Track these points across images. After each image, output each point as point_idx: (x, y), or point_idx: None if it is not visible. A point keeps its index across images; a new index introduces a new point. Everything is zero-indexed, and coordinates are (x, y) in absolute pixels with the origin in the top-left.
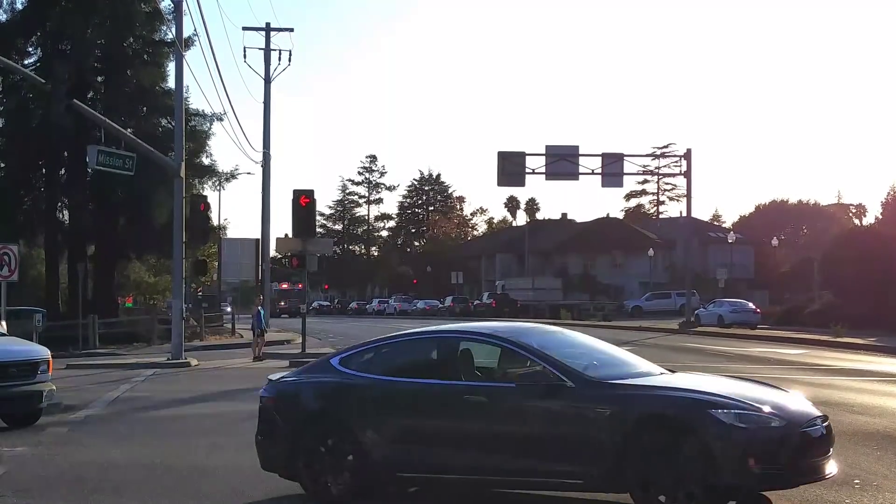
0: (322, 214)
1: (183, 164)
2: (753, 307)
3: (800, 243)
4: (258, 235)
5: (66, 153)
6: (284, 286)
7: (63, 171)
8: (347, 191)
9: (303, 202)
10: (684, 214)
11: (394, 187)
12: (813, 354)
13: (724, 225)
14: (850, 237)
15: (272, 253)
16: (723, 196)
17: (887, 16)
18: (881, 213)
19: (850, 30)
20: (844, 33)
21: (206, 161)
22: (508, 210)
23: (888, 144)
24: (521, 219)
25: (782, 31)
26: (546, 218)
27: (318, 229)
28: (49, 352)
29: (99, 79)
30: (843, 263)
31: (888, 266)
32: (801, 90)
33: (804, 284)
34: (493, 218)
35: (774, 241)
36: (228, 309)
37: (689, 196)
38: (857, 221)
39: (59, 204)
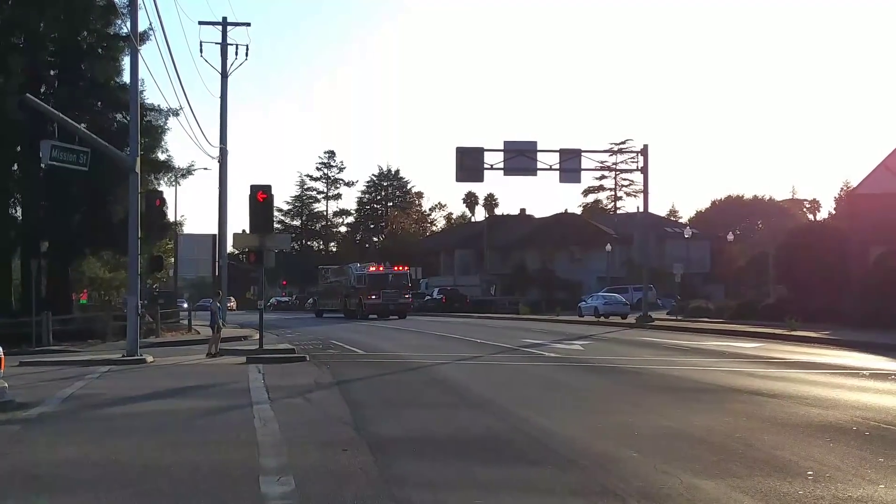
0: (280, 210)
1: (138, 159)
2: (623, 300)
3: (755, 238)
4: (215, 231)
5: (18, 148)
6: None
7: (16, 167)
8: (306, 186)
9: (260, 197)
10: (641, 210)
11: (352, 183)
12: (767, 348)
13: (680, 220)
14: (804, 232)
15: (229, 249)
16: (679, 192)
17: (840, 15)
18: (834, 209)
19: (804, 28)
20: (798, 32)
21: (161, 156)
22: (467, 206)
23: (842, 141)
24: (480, 214)
25: (737, 28)
26: (505, 213)
27: (276, 225)
28: (1, 349)
29: (52, 73)
30: (797, 258)
31: (841, 260)
32: (755, 87)
33: (759, 279)
34: (451, 213)
35: (730, 236)
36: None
37: (645, 192)
38: (811, 216)
39: (12, 200)
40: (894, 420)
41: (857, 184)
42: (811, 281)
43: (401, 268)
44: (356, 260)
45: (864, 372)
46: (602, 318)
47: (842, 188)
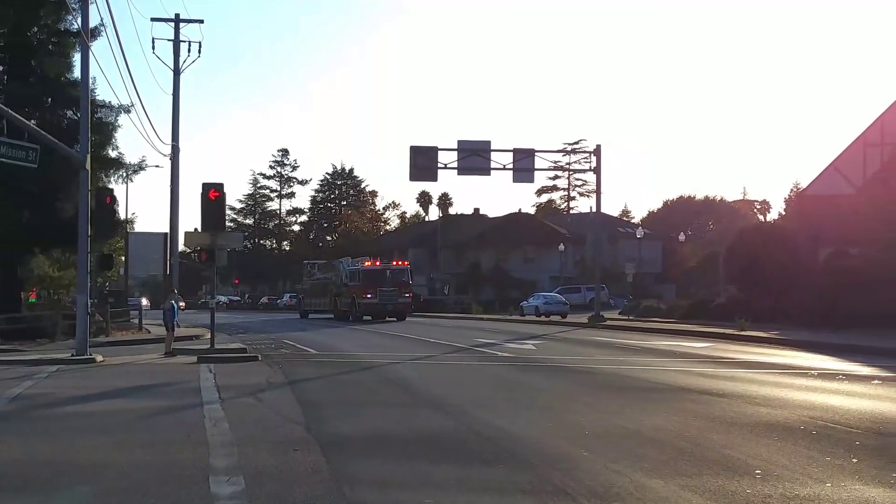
0: (233, 208)
1: (89, 156)
2: (563, 300)
3: (706, 238)
4: (167, 229)
5: None
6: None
7: None
8: (259, 185)
9: (212, 196)
10: (594, 210)
11: (306, 181)
12: (717, 347)
13: (633, 220)
14: (754, 232)
15: (181, 247)
16: (632, 192)
17: (791, 19)
18: (784, 209)
19: (755, 30)
20: (749, 33)
21: (112, 154)
22: (421, 205)
23: (792, 142)
24: (434, 213)
25: (688, 30)
26: (459, 213)
27: (228, 223)
28: None
29: (1, 69)
30: (747, 258)
31: (791, 261)
32: (707, 88)
33: (710, 279)
34: (405, 212)
35: (681, 237)
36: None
37: (598, 192)
38: (761, 217)
39: None
40: (841, 419)
41: (806, 185)
42: (761, 281)
43: (400, 262)
44: (309, 258)
45: (813, 372)
46: (543, 317)
47: (791, 189)
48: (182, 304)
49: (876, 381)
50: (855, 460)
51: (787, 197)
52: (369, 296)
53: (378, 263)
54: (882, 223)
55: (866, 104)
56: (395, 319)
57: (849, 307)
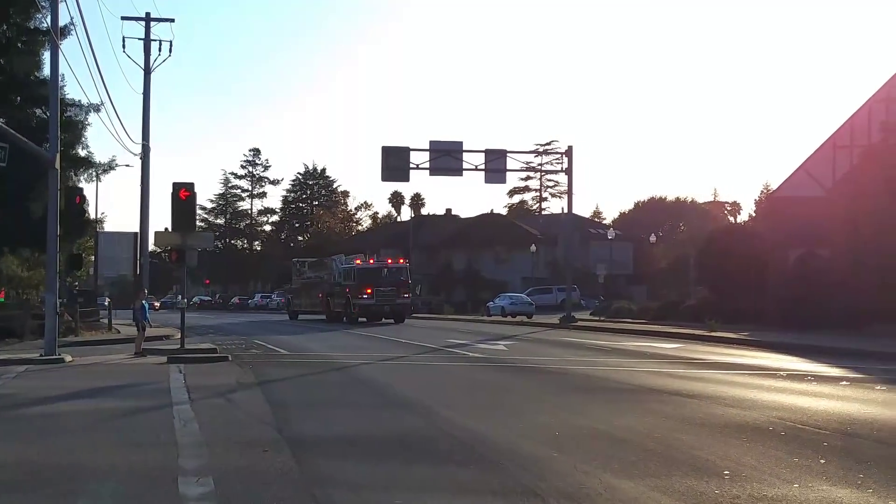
0: (203, 208)
1: (58, 155)
2: (529, 300)
3: (677, 240)
4: (137, 229)
5: None
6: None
7: None
8: (230, 184)
9: (182, 195)
10: (566, 211)
11: (277, 181)
12: (688, 348)
13: (604, 221)
14: (724, 234)
15: (151, 247)
16: (603, 193)
17: (760, 21)
18: (754, 211)
19: (727, 32)
20: (721, 35)
21: (82, 153)
22: (393, 205)
23: (762, 144)
24: (406, 214)
25: (660, 31)
26: (431, 213)
27: (199, 223)
28: None
29: None
30: (717, 260)
31: (761, 262)
32: (679, 90)
33: (681, 280)
34: (377, 213)
35: (652, 238)
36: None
37: (570, 193)
38: (731, 219)
39: None
40: (810, 420)
41: (776, 187)
42: (731, 282)
43: (398, 260)
44: (282, 257)
45: (782, 373)
46: (509, 317)
47: (762, 191)
48: (156, 304)
49: (844, 383)
50: (823, 461)
51: (757, 198)
52: (365, 296)
53: (373, 261)
54: (851, 225)
55: (836, 106)
56: (392, 321)
57: (818, 309)
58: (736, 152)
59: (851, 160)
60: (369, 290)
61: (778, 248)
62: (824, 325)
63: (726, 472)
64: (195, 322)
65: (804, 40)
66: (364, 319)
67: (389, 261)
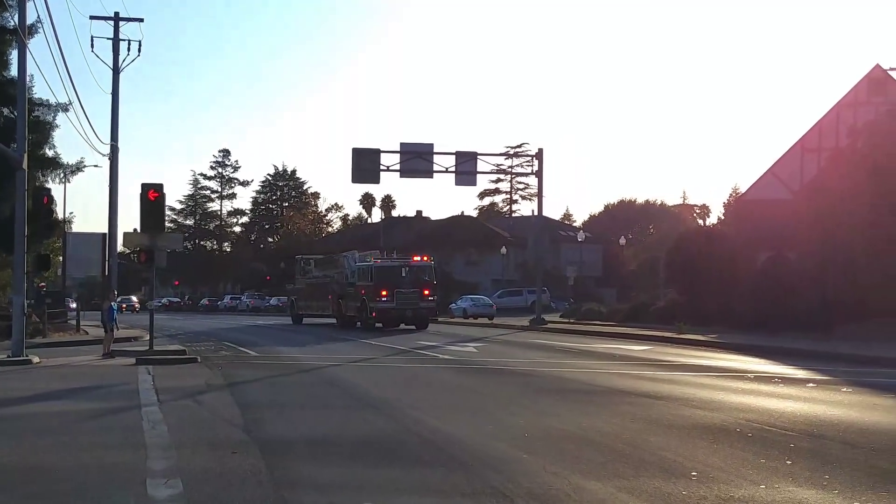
0: (172, 209)
1: (26, 155)
2: (490, 302)
3: (647, 242)
4: (106, 230)
5: None
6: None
7: None
8: (199, 185)
9: (151, 196)
10: (536, 213)
11: (247, 182)
12: (657, 350)
13: (574, 224)
14: (693, 236)
15: (120, 248)
16: (574, 196)
17: (727, 24)
18: (723, 214)
19: (696, 36)
20: (690, 39)
21: (50, 153)
22: (364, 207)
23: (731, 147)
24: (377, 216)
25: (630, 35)
26: (401, 215)
27: (168, 224)
28: None
29: None
30: (686, 262)
31: (730, 265)
32: (648, 93)
33: (650, 282)
34: (348, 214)
35: (622, 240)
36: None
37: (540, 195)
38: (700, 221)
39: None
40: (776, 422)
41: (745, 189)
42: (700, 285)
43: (422, 258)
44: (253, 259)
45: (750, 375)
46: (471, 319)
47: (731, 194)
48: (136, 304)
49: (811, 384)
50: (789, 462)
51: (726, 201)
52: (383, 298)
53: (394, 258)
54: (819, 228)
55: (804, 110)
56: (413, 328)
57: (786, 311)
58: (705, 155)
59: (819, 164)
60: (388, 292)
61: (746, 251)
62: (792, 327)
63: (694, 474)
64: (164, 323)
65: (773, 44)
66: (380, 325)
67: (413, 257)
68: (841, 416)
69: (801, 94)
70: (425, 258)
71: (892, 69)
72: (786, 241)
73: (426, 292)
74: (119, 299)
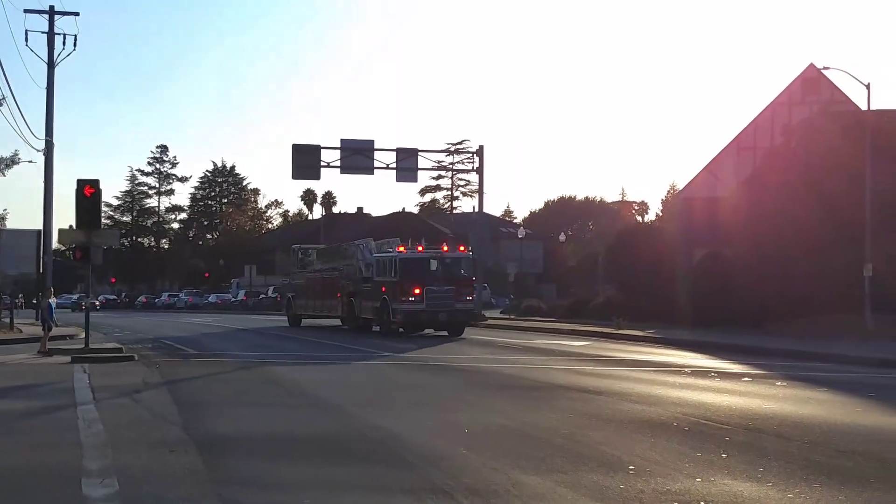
0: (109, 205)
1: None
2: None
3: (586, 239)
4: (41, 226)
5: None
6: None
7: None
8: (137, 181)
9: (87, 192)
10: (477, 210)
11: (186, 178)
12: (596, 346)
13: (515, 220)
14: (631, 233)
15: (55, 245)
16: (514, 192)
17: (670, 22)
18: (661, 211)
19: (635, 34)
20: (629, 37)
21: None
22: (305, 203)
23: (669, 145)
24: (318, 212)
25: (569, 33)
26: (342, 211)
27: (104, 220)
28: None
29: None
30: (625, 259)
31: (668, 261)
32: (589, 91)
33: (590, 279)
34: (288, 211)
35: (562, 237)
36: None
37: (481, 192)
38: (639, 218)
39: None
40: (713, 416)
41: (682, 187)
42: (639, 281)
43: (457, 248)
44: (192, 256)
45: (687, 369)
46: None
47: (668, 191)
48: (96, 302)
49: (746, 379)
50: (725, 455)
51: (664, 198)
52: (411, 298)
53: (423, 249)
54: (754, 225)
55: (740, 109)
56: (445, 334)
57: (722, 307)
58: (644, 153)
59: (755, 162)
60: (418, 290)
61: (684, 248)
62: (728, 322)
63: (631, 468)
64: (100, 321)
65: (710, 43)
66: (401, 330)
67: (445, 248)
68: (775, 410)
69: (737, 93)
70: (461, 249)
71: (825, 69)
72: (722, 237)
73: (464, 291)
74: (76, 297)
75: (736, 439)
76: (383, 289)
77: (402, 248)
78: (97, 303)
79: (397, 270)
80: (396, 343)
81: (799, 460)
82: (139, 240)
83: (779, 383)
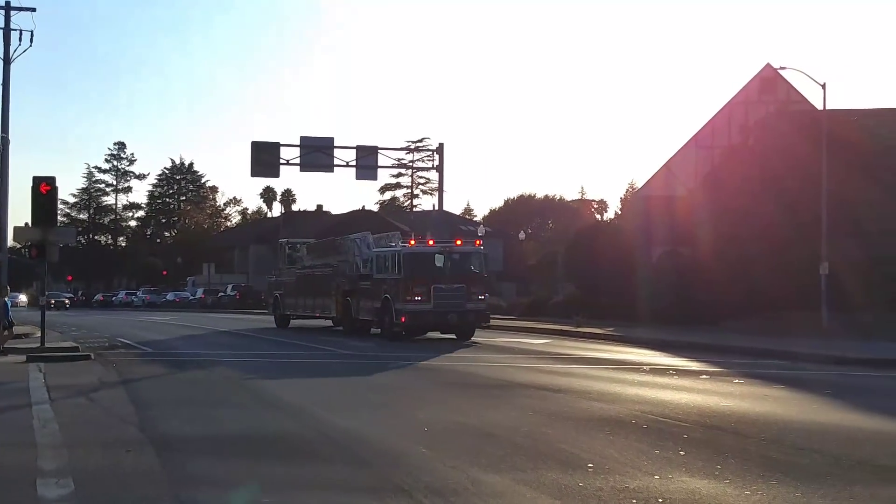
0: (66, 203)
1: None
2: None
3: (546, 237)
4: None
5: None
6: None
7: None
8: (94, 178)
9: (43, 189)
10: (437, 208)
11: (144, 176)
12: (556, 344)
13: (475, 218)
14: (591, 231)
15: (10, 243)
16: (474, 190)
17: (629, 21)
18: (620, 209)
19: (594, 33)
20: (588, 36)
21: None
22: (265, 201)
23: (628, 144)
24: (278, 210)
25: (529, 31)
26: (302, 209)
27: (60, 218)
28: None
29: None
30: (584, 257)
31: (626, 260)
32: (548, 89)
33: (550, 277)
34: (247, 209)
35: (522, 235)
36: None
37: (441, 190)
38: (598, 216)
39: None
40: (671, 413)
41: (641, 185)
42: (598, 279)
43: (469, 242)
44: (149, 253)
45: (645, 367)
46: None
47: (627, 189)
48: (65, 299)
49: (704, 376)
50: (682, 453)
51: (623, 197)
52: (417, 298)
53: (432, 243)
54: (712, 224)
55: (699, 107)
56: (453, 336)
57: (680, 305)
58: (603, 151)
59: (713, 160)
60: (423, 289)
61: (642, 246)
62: (687, 320)
63: (590, 465)
64: (56, 320)
65: (669, 42)
66: (403, 332)
67: (458, 242)
68: (733, 407)
69: (695, 92)
70: (477, 243)
71: (782, 69)
72: (681, 236)
73: (475, 289)
74: (46, 295)
75: (694, 437)
76: (385, 287)
77: (412, 242)
78: (66, 301)
79: (402, 267)
80: (360, 342)
81: (756, 457)
82: (96, 237)
83: (736, 381)
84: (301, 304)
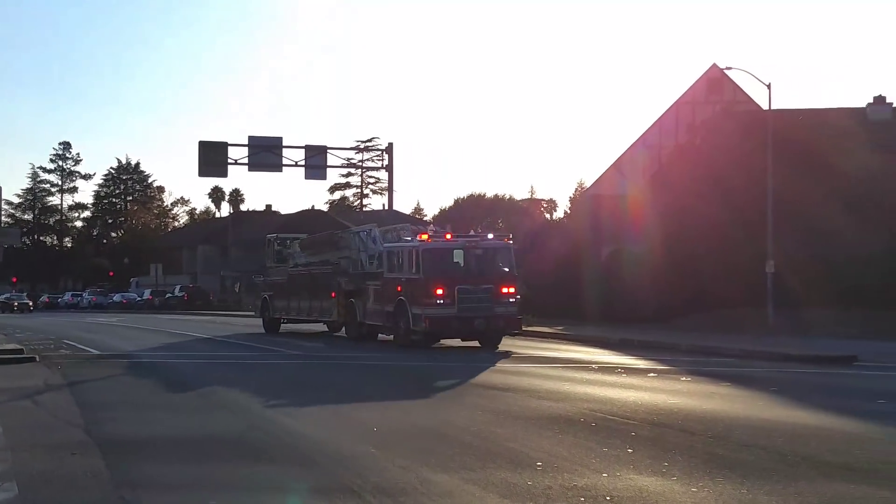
0: (10, 203)
1: None
2: None
3: None
4: None
5: None
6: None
7: None
8: (38, 178)
9: None
10: (387, 207)
11: (90, 176)
12: (505, 343)
13: (425, 218)
14: (540, 231)
15: None
16: (424, 190)
17: (576, 21)
18: (569, 208)
19: (541, 34)
20: (535, 37)
21: None
22: (213, 201)
23: (577, 143)
24: (226, 210)
25: (478, 31)
26: (251, 209)
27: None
28: None
29: None
30: (533, 256)
31: (574, 258)
32: (497, 89)
33: None
34: (195, 209)
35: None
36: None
37: (390, 189)
38: (548, 216)
39: None
40: (619, 411)
41: (590, 184)
42: (547, 278)
43: (495, 236)
44: (95, 254)
45: (594, 366)
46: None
47: (576, 188)
48: (29, 302)
49: (652, 374)
50: (631, 450)
51: (572, 196)
52: (437, 300)
53: (452, 237)
54: (659, 222)
55: (646, 107)
56: (477, 344)
57: (629, 303)
58: (552, 151)
59: (660, 160)
60: (443, 289)
61: (591, 245)
62: (635, 318)
63: (539, 464)
64: (10, 322)
65: (617, 42)
66: (414, 339)
67: (480, 236)
68: (680, 405)
69: (643, 92)
70: (507, 239)
71: (728, 69)
72: (629, 235)
73: (505, 290)
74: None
75: (641, 434)
76: (398, 288)
77: (424, 236)
78: (30, 304)
79: (420, 264)
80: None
81: (702, 454)
82: (41, 238)
83: (684, 378)
84: (294, 306)
